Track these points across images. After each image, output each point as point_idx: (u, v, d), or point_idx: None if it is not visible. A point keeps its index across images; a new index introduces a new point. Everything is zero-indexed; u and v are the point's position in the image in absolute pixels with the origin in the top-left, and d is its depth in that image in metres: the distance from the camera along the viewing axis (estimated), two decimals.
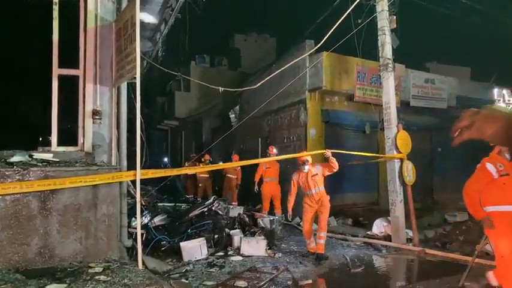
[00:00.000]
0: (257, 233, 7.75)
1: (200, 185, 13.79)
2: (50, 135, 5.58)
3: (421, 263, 6.90)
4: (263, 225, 8.26)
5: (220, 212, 7.98)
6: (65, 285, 3.99)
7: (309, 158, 7.20)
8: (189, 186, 14.88)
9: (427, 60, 23.22)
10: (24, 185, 4.50)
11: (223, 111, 17.88)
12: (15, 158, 4.85)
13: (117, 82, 5.63)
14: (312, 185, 7.04)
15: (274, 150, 10.42)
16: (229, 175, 12.77)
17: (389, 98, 8.00)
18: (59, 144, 5.59)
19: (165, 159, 24.80)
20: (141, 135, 5.08)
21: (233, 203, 11.50)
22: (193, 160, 14.06)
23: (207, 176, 13.78)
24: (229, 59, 26.30)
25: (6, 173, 4.49)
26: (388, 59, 7.88)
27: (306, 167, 7.10)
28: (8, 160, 4.80)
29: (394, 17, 7.85)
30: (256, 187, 10.58)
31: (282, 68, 8.13)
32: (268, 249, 7.23)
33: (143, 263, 4.98)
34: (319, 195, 7.05)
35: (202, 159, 13.24)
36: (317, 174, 7.09)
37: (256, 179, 10.50)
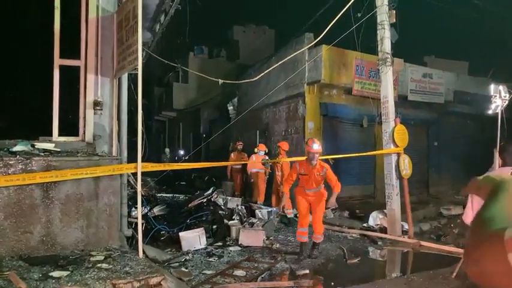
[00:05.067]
0: (255, 224, 7.85)
1: (252, 180, 11.22)
2: (51, 125, 5.63)
3: (416, 255, 7.03)
4: (261, 217, 8.36)
5: (219, 203, 8.08)
6: (68, 272, 4.07)
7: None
8: (237, 183, 12.42)
9: (425, 54, 23.25)
10: (26, 177, 4.56)
11: (221, 103, 17.93)
12: (18, 148, 4.91)
13: (118, 73, 5.68)
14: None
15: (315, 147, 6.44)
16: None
17: (388, 92, 8.07)
18: (60, 134, 5.65)
19: (181, 152, 21.55)
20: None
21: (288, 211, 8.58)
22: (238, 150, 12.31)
23: (260, 170, 11.01)
24: (228, 50, 26.22)
25: (10, 162, 4.55)
26: (387, 53, 7.94)
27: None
28: (10, 149, 4.86)
29: (394, 12, 7.88)
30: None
31: (281, 61, 8.17)
32: (266, 239, 7.34)
33: (143, 252, 5.08)
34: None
35: (256, 150, 11.15)
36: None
37: (285, 190, 6.79)
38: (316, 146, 6.32)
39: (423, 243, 7.38)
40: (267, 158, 10.81)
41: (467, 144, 13.28)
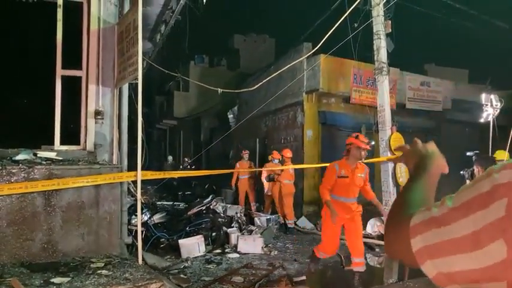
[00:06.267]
0: (254, 231, 7.92)
1: (270, 193, 10.17)
2: (52, 134, 5.74)
3: None
4: (260, 224, 8.44)
5: (218, 211, 8.16)
6: (69, 278, 4.15)
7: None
8: (242, 194, 11.28)
9: (426, 62, 23.41)
10: (29, 185, 4.66)
11: (221, 111, 18.06)
12: (21, 156, 5.01)
13: (119, 83, 5.79)
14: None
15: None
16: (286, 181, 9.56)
17: (384, 101, 8.18)
18: (62, 143, 5.75)
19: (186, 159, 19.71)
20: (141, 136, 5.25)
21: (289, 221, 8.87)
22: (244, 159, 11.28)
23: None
24: (228, 59, 26.46)
25: (12, 171, 4.65)
26: (383, 62, 8.06)
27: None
28: (13, 158, 4.96)
29: (389, 22, 8.02)
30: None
31: (280, 70, 8.31)
32: (265, 247, 7.41)
33: (143, 259, 5.16)
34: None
35: (270, 158, 10.28)
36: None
37: (327, 197, 5.39)
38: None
39: None
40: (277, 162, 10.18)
41: (463, 153, 13.32)
